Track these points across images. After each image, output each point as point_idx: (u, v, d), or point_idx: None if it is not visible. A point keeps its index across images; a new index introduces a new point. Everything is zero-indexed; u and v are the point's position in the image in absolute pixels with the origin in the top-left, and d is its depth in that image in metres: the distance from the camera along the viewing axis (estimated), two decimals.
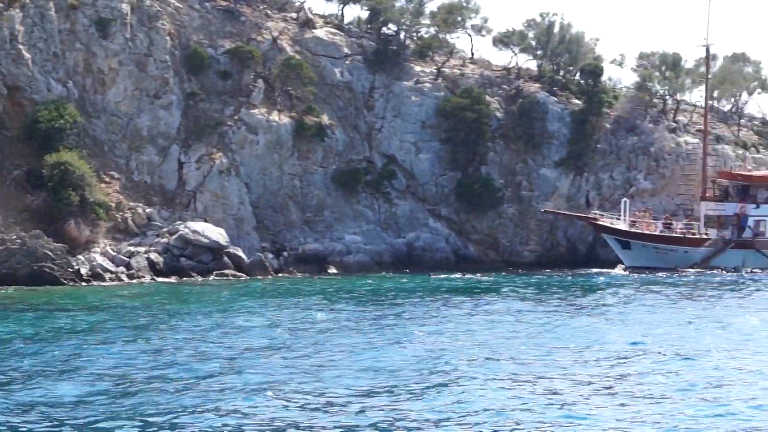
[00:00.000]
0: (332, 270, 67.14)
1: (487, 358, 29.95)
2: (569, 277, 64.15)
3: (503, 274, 66.87)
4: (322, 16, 79.85)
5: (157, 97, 67.89)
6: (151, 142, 67.23)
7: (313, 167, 70.68)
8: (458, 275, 64.45)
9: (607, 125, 78.70)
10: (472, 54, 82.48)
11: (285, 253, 67.40)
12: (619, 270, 69.82)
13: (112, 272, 58.55)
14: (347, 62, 74.69)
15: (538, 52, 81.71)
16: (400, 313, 42.62)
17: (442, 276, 63.98)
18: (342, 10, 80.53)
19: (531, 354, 31.07)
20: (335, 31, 76.73)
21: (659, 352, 31.36)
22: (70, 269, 55.88)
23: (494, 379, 26.41)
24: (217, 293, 51.76)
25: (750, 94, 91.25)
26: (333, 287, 55.59)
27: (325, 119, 71.46)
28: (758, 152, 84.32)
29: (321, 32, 75.67)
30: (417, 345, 32.65)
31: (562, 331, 36.90)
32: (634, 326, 38.32)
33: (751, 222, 72.56)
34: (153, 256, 60.98)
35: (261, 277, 61.73)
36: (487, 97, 75.93)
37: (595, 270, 69.27)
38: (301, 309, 43.44)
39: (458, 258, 72.16)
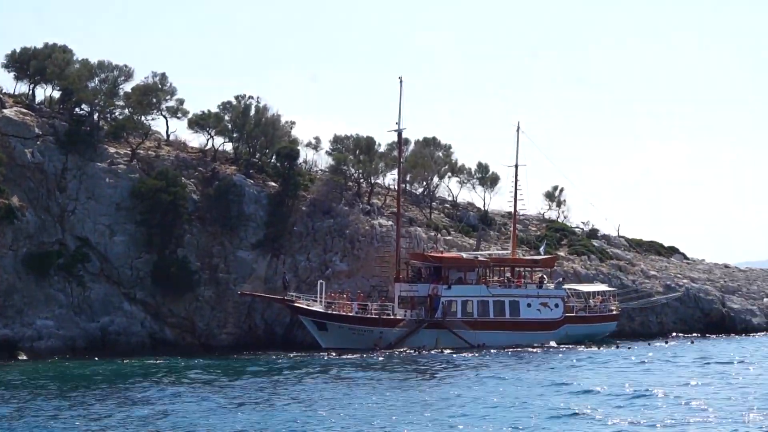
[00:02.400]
0: (22, 357, 66.42)
1: None
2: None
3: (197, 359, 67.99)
4: (12, 96, 79.17)
5: None
6: None
7: (2, 250, 69.80)
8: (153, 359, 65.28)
9: (303, 208, 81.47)
10: (168, 136, 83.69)
11: None
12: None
13: None
14: (38, 143, 74.39)
15: (234, 135, 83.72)
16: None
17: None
18: (32, 89, 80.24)
19: None
20: (25, 111, 76.28)
21: None
22: None
23: None
24: None
25: (441, 177, 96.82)
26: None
27: (15, 201, 70.84)
28: (449, 234, 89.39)
29: (10, 112, 75.06)
30: None
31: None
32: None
33: (443, 302, 76.58)
34: None
35: None
36: (183, 179, 77.27)
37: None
38: None
39: (155, 342, 72.76)
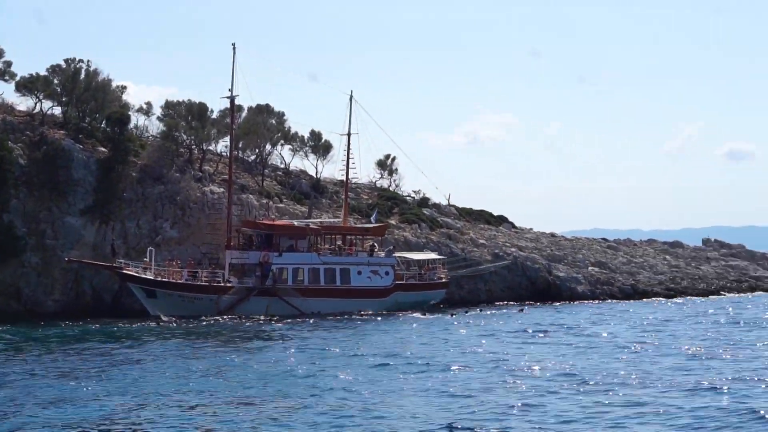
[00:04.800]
0: None
1: None
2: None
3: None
4: None
5: None
6: None
7: None
8: None
9: (134, 174, 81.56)
10: None
11: None
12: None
13: None
14: None
15: (64, 99, 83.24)
16: None
17: None
18: None
19: None
20: None
21: None
22: None
23: None
24: None
25: (273, 145, 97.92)
26: None
27: None
28: (281, 202, 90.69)
29: None
30: None
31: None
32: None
33: (274, 270, 77.94)
34: None
35: None
36: (10, 144, 76.51)
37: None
38: None
39: None
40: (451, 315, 78.19)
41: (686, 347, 52.41)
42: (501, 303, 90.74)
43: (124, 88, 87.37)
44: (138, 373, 43.44)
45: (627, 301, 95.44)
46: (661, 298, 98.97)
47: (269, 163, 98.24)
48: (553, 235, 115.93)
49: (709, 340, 56.43)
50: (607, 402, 35.33)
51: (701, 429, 30.74)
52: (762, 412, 32.51)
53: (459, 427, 31.18)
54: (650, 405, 34.39)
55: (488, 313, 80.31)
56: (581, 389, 38.23)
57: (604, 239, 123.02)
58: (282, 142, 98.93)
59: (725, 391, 37.13)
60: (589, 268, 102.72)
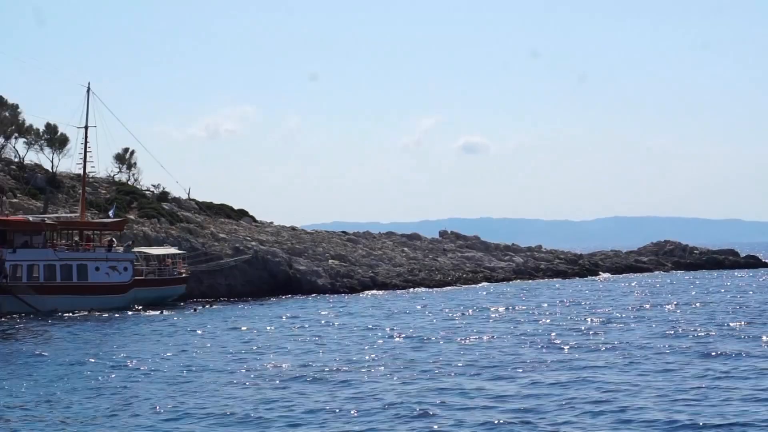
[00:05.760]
0: None
1: None
2: None
3: None
4: None
5: None
6: None
7: None
8: None
9: None
10: None
11: None
12: None
13: None
14: None
15: None
16: None
17: None
18: None
19: None
20: None
21: None
22: None
23: None
24: None
25: (7, 138, 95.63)
26: None
27: None
28: (15, 197, 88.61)
29: None
30: None
31: None
32: None
33: (7, 267, 76.13)
34: None
35: None
36: None
37: None
38: None
39: None
40: (195, 310, 78.52)
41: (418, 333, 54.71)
42: (244, 298, 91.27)
43: None
44: None
45: (367, 293, 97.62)
46: (399, 291, 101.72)
47: (2, 156, 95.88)
48: (294, 228, 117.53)
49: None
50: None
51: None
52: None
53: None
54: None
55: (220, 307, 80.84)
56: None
57: (344, 232, 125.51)
58: (16, 135, 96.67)
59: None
60: (330, 261, 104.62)
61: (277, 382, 38.94)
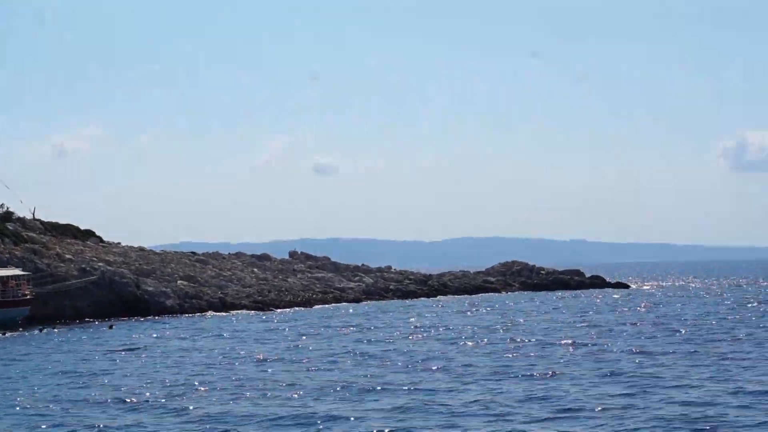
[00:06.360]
0: None
1: None
2: None
3: None
4: None
5: None
6: None
7: None
8: None
9: None
10: None
11: None
12: None
13: None
14: None
15: None
16: None
17: None
18: None
19: None
20: None
21: None
22: None
23: None
24: None
25: None
26: None
27: None
28: None
29: None
30: None
31: None
32: None
33: None
34: None
35: None
36: None
37: None
38: None
39: None
40: (41, 330, 77.29)
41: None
42: (89, 320, 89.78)
43: None
44: None
45: (217, 314, 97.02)
46: (247, 311, 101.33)
47: None
48: (142, 249, 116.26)
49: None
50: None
51: None
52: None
53: None
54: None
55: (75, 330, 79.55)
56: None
57: (193, 253, 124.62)
58: None
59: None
60: (178, 282, 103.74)
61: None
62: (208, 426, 33.77)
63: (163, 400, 39.37)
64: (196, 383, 44.40)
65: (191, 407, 37.40)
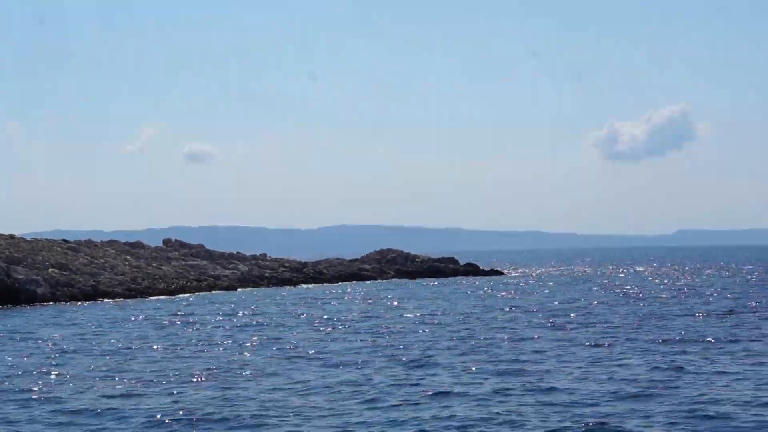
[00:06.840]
0: None
1: None
2: None
3: None
4: None
5: None
6: None
7: None
8: None
9: None
10: None
11: None
12: None
13: None
14: None
15: None
16: None
17: None
18: None
19: None
20: None
21: None
22: None
23: None
24: None
25: None
26: None
27: None
28: None
29: None
30: None
31: None
32: None
33: None
34: None
35: None
36: None
37: None
38: None
39: None
40: None
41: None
42: None
43: None
44: None
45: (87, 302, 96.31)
46: (122, 299, 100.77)
47: None
48: (12, 236, 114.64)
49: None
50: None
51: None
52: None
53: None
54: None
55: None
56: None
57: (65, 240, 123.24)
58: None
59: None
60: (50, 270, 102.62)
61: None
62: None
63: None
64: None
65: None
